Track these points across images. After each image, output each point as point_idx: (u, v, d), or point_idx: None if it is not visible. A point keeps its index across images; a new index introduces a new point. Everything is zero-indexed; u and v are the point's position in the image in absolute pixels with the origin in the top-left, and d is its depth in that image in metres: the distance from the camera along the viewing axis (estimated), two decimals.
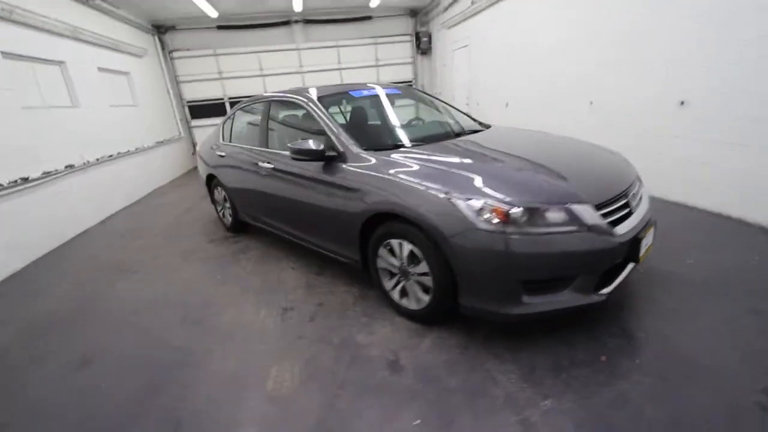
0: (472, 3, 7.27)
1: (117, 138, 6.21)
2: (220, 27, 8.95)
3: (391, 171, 2.27)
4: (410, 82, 10.31)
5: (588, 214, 1.88)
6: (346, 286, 2.90)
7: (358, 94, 3.22)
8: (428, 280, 2.15)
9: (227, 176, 3.92)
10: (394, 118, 3.25)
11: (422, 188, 2.06)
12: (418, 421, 1.66)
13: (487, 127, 3.20)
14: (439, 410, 1.72)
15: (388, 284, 2.46)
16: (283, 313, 2.64)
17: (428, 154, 2.41)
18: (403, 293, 2.38)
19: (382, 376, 1.95)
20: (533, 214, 1.83)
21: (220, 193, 4.27)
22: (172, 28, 8.75)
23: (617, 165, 2.38)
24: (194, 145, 9.58)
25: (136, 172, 6.73)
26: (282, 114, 3.40)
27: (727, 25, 3.20)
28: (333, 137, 2.66)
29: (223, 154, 3.95)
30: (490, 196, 1.88)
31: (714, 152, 3.46)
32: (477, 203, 1.88)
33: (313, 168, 2.74)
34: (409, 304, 2.35)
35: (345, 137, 2.63)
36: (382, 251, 2.38)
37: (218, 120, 9.41)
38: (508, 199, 1.86)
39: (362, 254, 2.57)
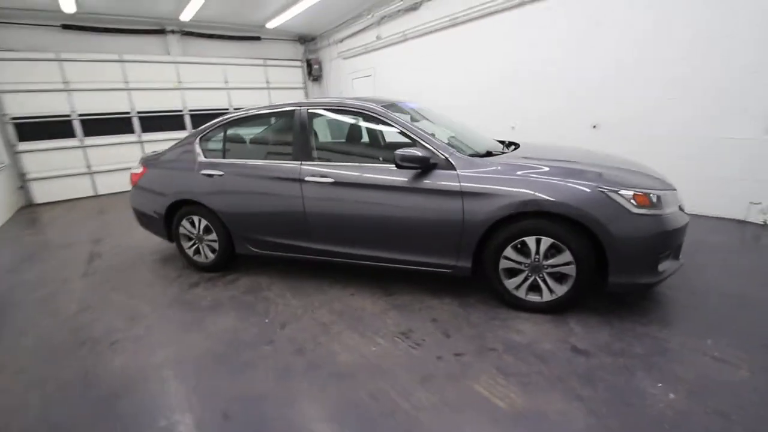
0: (377, 38, 7.86)
1: None
2: (66, 26, 6.97)
3: (524, 172, 2.41)
4: None
5: (679, 197, 2.48)
6: (436, 299, 2.79)
7: (404, 106, 3.20)
8: (570, 269, 2.35)
9: (225, 200, 3.18)
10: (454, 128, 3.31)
11: (569, 184, 2.29)
12: (660, 384, 1.85)
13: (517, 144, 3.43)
14: (659, 371, 1.93)
15: (510, 283, 2.53)
16: (406, 337, 2.37)
17: (529, 158, 2.64)
18: (530, 288, 2.51)
19: (584, 362, 2.04)
20: (662, 199, 2.30)
21: (196, 225, 3.39)
22: None
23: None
24: (23, 176, 6.99)
25: None
26: (329, 124, 3.05)
27: (624, 71, 4.57)
28: (429, 145, 2.60)
29: (218, 173, 3.19)
30: (632, 186, 2.27)
31: None
32: (628, 192, 2.23)
33: (401, 177, 2.60)
34: (539, 297, 2.49)
35: (443, 144, 2.62)
36: (509, 251, 2.46)
37: (65, 142, 7.23)
38: (645, 188, 2.28)
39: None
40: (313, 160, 2.92)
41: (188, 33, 8.19)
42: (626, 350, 2.12)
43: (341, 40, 9.02)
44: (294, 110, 3.05)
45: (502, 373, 2.00)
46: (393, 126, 2.75)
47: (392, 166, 2.65)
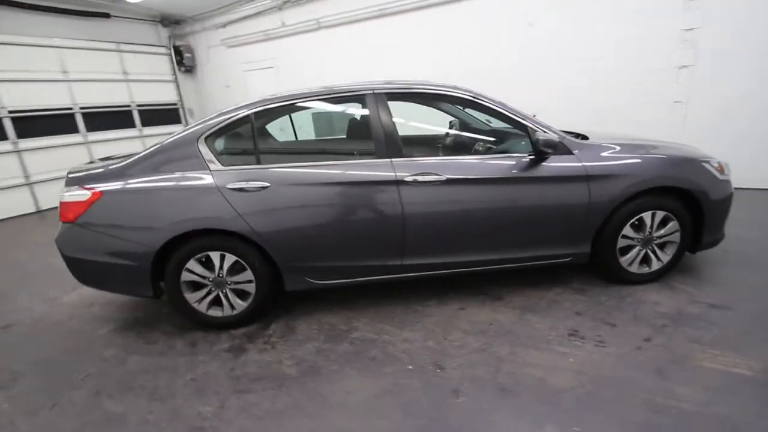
0: (282, 25, 6.96)
1: None
2: None
3: (638, 153, 2.49)
4: (175, 104, 8.21)
5: None
6: (549, 291, 2.64)
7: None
8: (675, 237, 2.57)
9: (273, 222, 2.29)
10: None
11: (689, 161, 2.48)
12: None
13: None
14: None
15: (624, 261, 2.59)
16: (580, 338, 2.16)
17: (619, 139, 2.70)
18: (641, 261, 2.62)
19: (734, 314, 2.24)
20: (729, 166, 2.71)
21: (215, 265, 2.34)
22: None
23: None
24: None
25: None
26: (408, 112, 2.47)
27: (549, 66, 5.25)
28: (539, 129, 2.43)
29: (257, 185, 2.25)
30: (712, 157, 2.60)
31: None
32: (714, 163, 2.55)
33: (516, 167, 2.39)
34: (647, 268, 2.63)
35: (555, 129, 2.48)
36: (627, 230, 2.52)
37: None
38: (718, 158, 2.65)
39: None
40: (405, 156, 2.37)
41: None
42: (745, 297, 2.43)
43: (224, 25, 7.65)
44: (365, 95, 2.40)
45: (702, 343, 2.04)
46: (496, 109, 2.48)
47: (507, 155, 2.45)
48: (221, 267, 2.36)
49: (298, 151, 2.69)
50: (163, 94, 7.95)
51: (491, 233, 2.45)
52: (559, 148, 2.39)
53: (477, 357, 2.07)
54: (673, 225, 2.53)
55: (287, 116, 2.79)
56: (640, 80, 4.82)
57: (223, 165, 2.33)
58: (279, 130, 2.77)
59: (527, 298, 2.61)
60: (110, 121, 6.94)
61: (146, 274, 2.32)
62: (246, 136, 2.43)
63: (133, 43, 7.37)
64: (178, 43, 8.11)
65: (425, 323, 2.41)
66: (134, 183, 2.30)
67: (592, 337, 2.17)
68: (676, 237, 2.56)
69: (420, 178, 2.30)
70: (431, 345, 2.20)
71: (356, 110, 2.51)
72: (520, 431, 1.61)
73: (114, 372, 2.18)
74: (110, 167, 2.39)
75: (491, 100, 2.50)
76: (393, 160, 2.33)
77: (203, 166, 2.31)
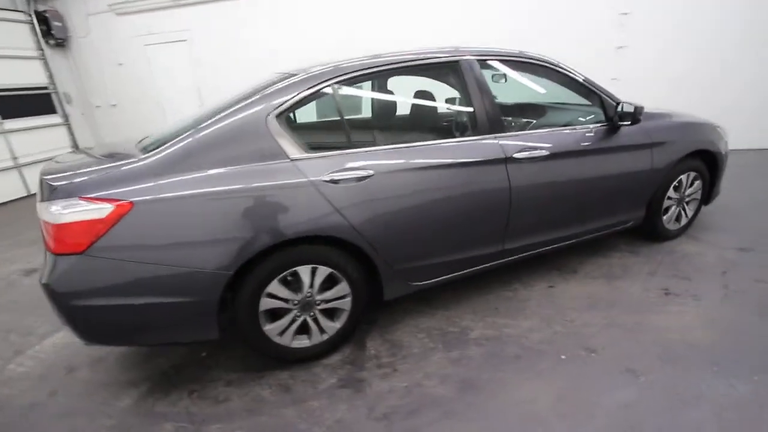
0: None
1: None
2: None
3: (678, 120, 2.70)
4: (45, 87, 6.22)
5: None
6: (610, 258, 2.76)
7: None
8: (698, 194, 2.91)
9: (379, 218, 1.86)
10: None
11: (709, 125, 2.78)
12: None
13: None
14: None
15: (666, 219, 2.84)
16: (675, 296, 2.30)
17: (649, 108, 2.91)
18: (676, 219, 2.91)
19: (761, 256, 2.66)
20: None
21: (303, 283, 1.81)
22: None
23: None
24: None
25: None
26: (499, 81, 2.20)
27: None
28: (612, 99, 2.45)
29: (358, 174, 1.78)
30: (716, 123, 2.98)
31: None
32: (721, 127, 2.93)
33: (603, 137, 2.41)
34: (678, 224, 2.93)
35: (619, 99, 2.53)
36: (671, 191, 2.76)
37: None
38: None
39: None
40: (507, 130, 2.15)
41: None
42: (757, 239, 2.87)
43: None
44: (458, 61, 2.07)
45: (765, 281, 2.35)
46: (583, 82, 2.41)
47: (597, 126, 2.43)
48: (312, 285, 1.83)
49: (383, 128, 2.22)
50: (26, 75, 5.92)
51: (583, 205, 2.43)
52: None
53: (613, 333, 2.04)
54: (698, 184, 2.86)
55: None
56: (583, 59, 5.32)
57: (305, 151, 1.78)
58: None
59: (598, 266, 2.68)
60: None
61: (212, 309, 1.68)
62: (328, 112, 1.90)
63: None
64: (41, 7, 6.09)
65: (531, 308, 2.29)
66: (188, 185, 1.60)
67: (683, 293, 2.32)
68: (699, 194, 2.91)
69: (527, 154, 2.11)
70: (560, 329, 2.09)
71: (448, 80, 2.17)
72: (722, 393, 1.62)
73: None
74: (128, 166, 1.62)
75: (570, 68, 2.42)
76: (497, 135, 2.10)
77: (280, 154, 1.73)
